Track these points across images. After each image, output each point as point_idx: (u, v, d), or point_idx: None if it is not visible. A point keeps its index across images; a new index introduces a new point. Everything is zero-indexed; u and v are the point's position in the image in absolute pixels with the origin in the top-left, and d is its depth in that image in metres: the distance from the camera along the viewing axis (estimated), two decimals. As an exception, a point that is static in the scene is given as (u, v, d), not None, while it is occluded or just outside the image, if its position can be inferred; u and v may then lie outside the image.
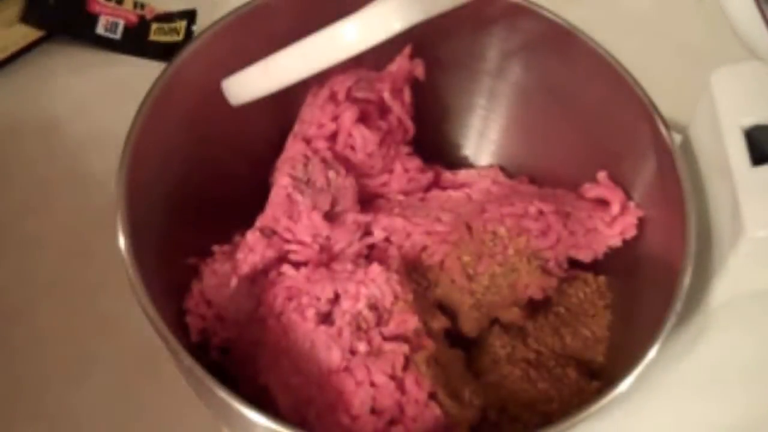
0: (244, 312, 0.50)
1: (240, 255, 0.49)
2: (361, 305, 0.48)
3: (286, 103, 0.51)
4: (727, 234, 0.46)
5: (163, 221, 0.49)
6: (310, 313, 0.47)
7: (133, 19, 0.68)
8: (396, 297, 0.48)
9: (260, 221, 0.50)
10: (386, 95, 0.54)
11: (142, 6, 0.69)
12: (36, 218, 0.62)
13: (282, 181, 0.50)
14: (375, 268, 0.49)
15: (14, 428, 0.55)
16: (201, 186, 0.52)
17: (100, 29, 0.67)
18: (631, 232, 0.52)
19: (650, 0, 0.78)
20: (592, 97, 0.54)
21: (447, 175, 0.58)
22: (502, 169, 0.60)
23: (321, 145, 0.53)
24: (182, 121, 0.51)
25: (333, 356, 0.46)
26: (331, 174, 0.52)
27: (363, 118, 0.53)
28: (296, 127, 0.54)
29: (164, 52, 0.70)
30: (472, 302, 0.52)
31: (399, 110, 0.55)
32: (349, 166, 0.53)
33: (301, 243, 0.50)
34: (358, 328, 0.47)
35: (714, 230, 0.48)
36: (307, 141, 0.53)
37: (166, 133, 0.50)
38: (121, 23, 0.67)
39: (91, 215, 0.62)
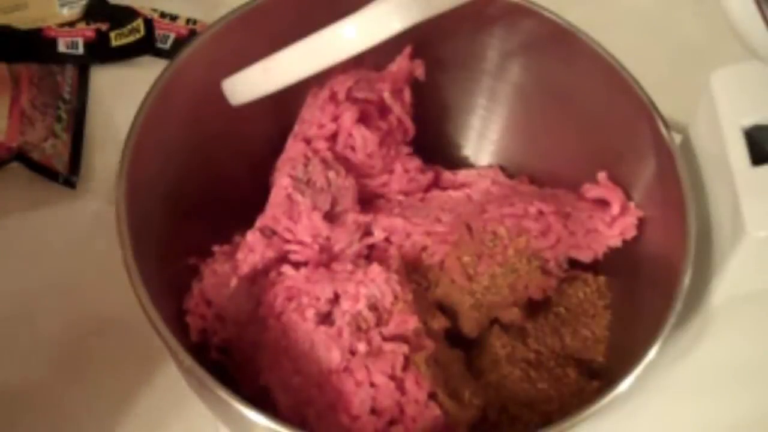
0: (244, 312, 0.50)
1: (240, 255, 0.49)
2: (361, 305, 0.48)
3: (286, 103, 0.51)
4: (727, 234, 0.46)
5: (163, 221, 0.49)
6: (310, 313, 0.47)
7: (184, 32, 0.72)
8: (396, 297, 0.48)
9: (260, 221, 0.50)
10: (386, 95, 0.54)
11: (195, 22, 0.73)
12: (37, 218, 0.62)
13: (282, 182, 0.50)
14: (375, 269, 0.49)
15: (14, 428, 0.55)
16: (201, 186, 0.52)
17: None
18: (631, 233, 0.52)
19: (650, 0, 0.78)
20: (592, 97, 0.54)
21: (447, 175, 0.58)
22: (502, 169, 0.59)
23: (321, 145, 0.53)
24: (182, 121, 0.51)
25: (333, 356, 0.46)
26: (331, 174, 0.52)
27: (363, 119, 0.53)
28: (296, 128, 0.54)
29: None
30: (472, 302, 0.52)
31: (399, 110, 0.55)
32: (349, 167, 0.53)
33: (301, 243, 0.50)
34: (358, 328, 0.47)
35: (714, 230, 0.48)
36: (308, 141, 0.53)
37: (166, 133, 0.50)
38: (172, 36, 0.72)
39: (91, 215, 0.62)
